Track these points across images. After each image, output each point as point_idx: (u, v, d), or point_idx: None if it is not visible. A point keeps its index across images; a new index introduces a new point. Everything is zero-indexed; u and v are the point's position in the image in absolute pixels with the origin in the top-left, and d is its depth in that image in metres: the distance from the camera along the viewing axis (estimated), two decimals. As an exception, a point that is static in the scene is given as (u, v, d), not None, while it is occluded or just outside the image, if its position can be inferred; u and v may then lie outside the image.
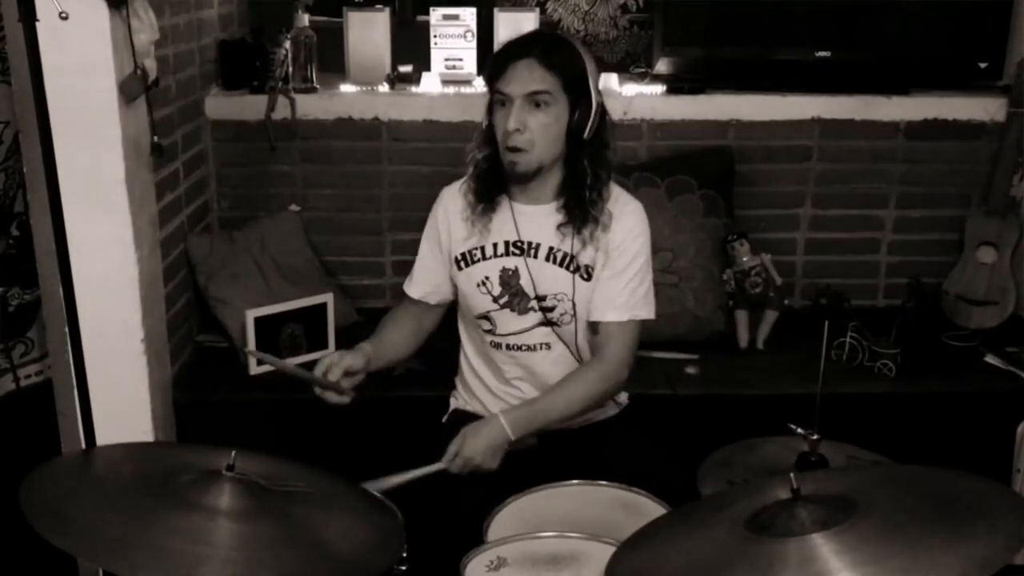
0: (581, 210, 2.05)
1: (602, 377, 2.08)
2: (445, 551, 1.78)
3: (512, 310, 2.12)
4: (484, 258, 2.13)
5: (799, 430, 1.87)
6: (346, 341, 2.92)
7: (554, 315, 2.11)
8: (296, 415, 2.71)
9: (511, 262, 2.11)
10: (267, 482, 1.56)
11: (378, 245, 3.24)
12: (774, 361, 2.89)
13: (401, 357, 2.23)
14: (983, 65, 3.18)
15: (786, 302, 3.06)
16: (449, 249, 2.17)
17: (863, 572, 1.28)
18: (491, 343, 2.16)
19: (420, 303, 2.22)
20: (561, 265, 2.10)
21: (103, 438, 1.89)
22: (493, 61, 2.07)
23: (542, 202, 2.11)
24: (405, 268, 3.23)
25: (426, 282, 2.21)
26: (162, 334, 2.61)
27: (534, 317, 2.12)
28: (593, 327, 2.11)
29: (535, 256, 2.10)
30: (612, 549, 1.59)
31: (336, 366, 1.99)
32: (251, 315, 2.74)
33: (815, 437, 1.85)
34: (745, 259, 2.94)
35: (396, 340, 2.20)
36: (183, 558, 1.36)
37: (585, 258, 2.09)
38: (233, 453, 1.54)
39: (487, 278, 2.12)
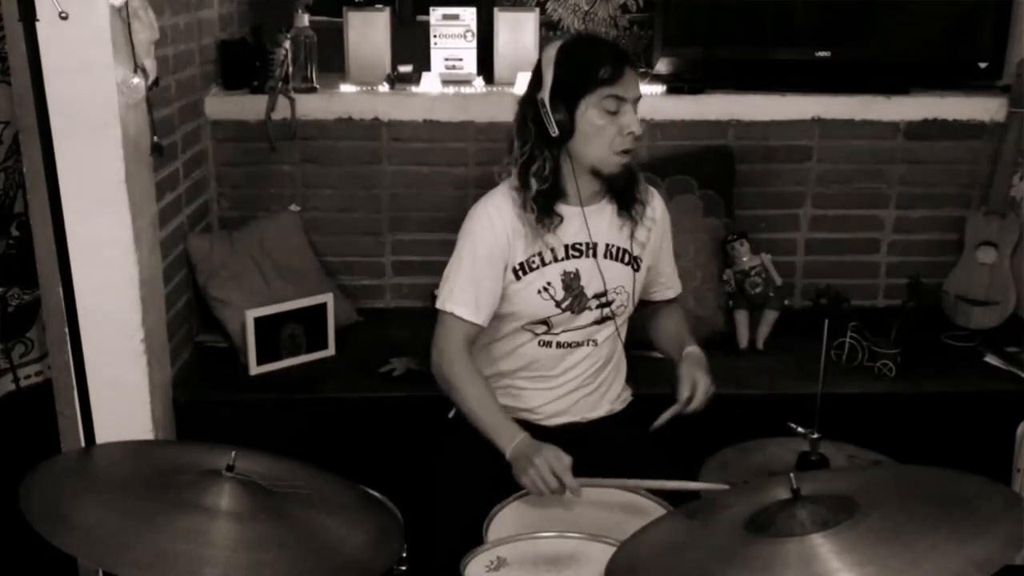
0: (630, 194, 2.14)
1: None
2: (445, 551, 1.79)
3: (572, 312, 2.12)
4: (543, 264, 2.10)
5: (799, 430, 1.88)
6: (346, 341, 2.95)
7: (612, 308, 2.14)
8: (296, 415, 2.71)
9: (571, 265, 2.11)
10: (267, 482, 1.56)
11: (378, 245, 3.24)
12: (774, 361, 2.88)
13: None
14: (983, 65, 3.18)
15: (786, 302, 3.05)
16: (509, 264, 2.10)
17: (863, 572, 1.28)
18: (540, 342, 2.15)
19: (478, 326, 2.11)
20: (616, 259, 2.15)
21: (103, 438, 1.90)
22: (602, 64, 2.01)
23: (597, 200, 2.13)
24: (405, 268, 3.29)
25: (490, 304, 2.09)
26: (162, 334, 2.61)
27: (589, 315, 2.14)
28: (654, 304, 2.31)
29: (594, 255, 2.12)
30: (612, 549, 1.59)
31: (566, 470, 1.90)
32: (251, 315, 2.74)
33: (815, 437, 1.85)
34: (745, 259, 2.94)
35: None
36: (183, 558, 1.36)
37: (640, 237, 2.17)
38: (233, 453, 1.55)
39: (549, 283, 2.10)
